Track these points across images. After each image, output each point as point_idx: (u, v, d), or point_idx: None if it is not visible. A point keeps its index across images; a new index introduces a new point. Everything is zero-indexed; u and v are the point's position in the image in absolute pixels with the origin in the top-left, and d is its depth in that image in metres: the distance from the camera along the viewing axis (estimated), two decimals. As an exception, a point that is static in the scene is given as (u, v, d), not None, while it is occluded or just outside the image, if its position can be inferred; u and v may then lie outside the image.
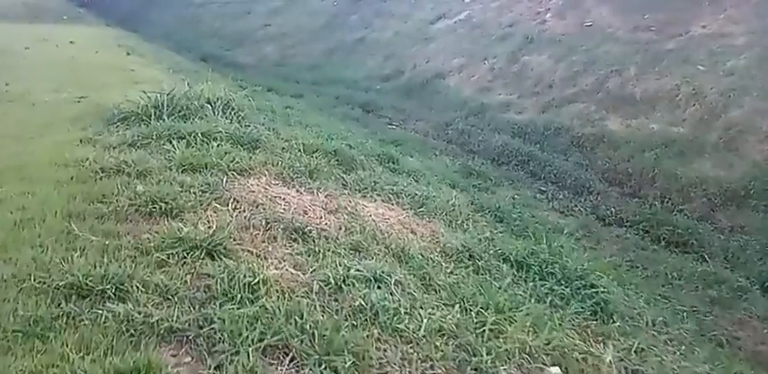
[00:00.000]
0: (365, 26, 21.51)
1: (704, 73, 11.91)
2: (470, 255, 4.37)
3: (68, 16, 19.13)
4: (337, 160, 6.25)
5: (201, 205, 3.78)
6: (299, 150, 5.93)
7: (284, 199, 4.31)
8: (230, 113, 6.51)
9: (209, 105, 6.27)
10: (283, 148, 5.81)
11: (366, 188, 5.67)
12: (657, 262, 7.31)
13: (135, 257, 2.91)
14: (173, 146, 4.82)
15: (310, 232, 3.78)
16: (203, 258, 3.05)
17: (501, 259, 4.53)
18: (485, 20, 18.10)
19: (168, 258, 2.97)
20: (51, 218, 3.28)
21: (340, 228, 4.08)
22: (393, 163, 8.33)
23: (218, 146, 5.00)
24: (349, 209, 4.56)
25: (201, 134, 5.19)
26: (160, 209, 3.57)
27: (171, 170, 4.34)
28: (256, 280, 2.74)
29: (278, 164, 5.23)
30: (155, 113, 5.70)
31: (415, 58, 18.34)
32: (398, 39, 19.69)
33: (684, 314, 5.67)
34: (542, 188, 10.42)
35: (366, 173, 6.46)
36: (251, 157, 5.12)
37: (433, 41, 18.61)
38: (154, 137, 5.04)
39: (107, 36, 15.98)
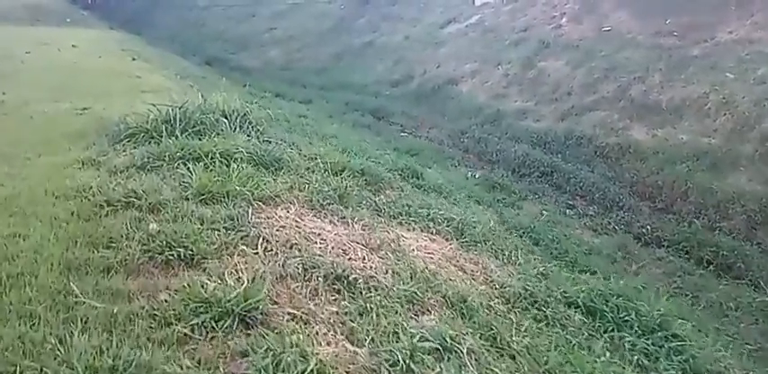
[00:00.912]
0: (373, 30, 20.86)
1: (734, 81, 11.25)
2: (534, 301, 3.71)
3: (71, 19, 18.44)
4: (365, 180, 5.59)
5: (227, 248, 3.11)
6: (325, 170, 5.26)
7: (319, 235, 3.65)
8: (247, 127, 5.84)
9: (225, 119, 5.60)
10: (308, 169, 5.15)
11: (401, 213, 5.01)
12: (708, 289, 6.65)
13: (151, 332, 2.25)
14: (188, 169, 4.15)
15: (356, 281, 3.11)
16: (237, 328, 2.39)
17: (567, 304, 3.88)
18: (497, 24, 17.46)
19: (193, 331, 2.31)
20: (46, 272, 2.61)
21: (387, 272, 3.42)
22: (417, 178, 7.67)
23: (238, 168, 4.33)
24: (391, 244, 3.90)
25: (220, 154, 4.52)
26: (179, 255, 2.91)
27: (188, 200, 3.67)
28: (310, 369, 2.08)
29: (305, 188, 4.56)
30: (166, 129, 5.04)
31: (425, 63, 17.68)
32: (408, 43, 19.05)
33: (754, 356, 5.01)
34: (569, 202, 9.76)
35: (395, 193, 5.81)
36: (275, 181, 4.45)
37: (444, 46, 17.97)
38: (166, 158, 4.37)
39: (110, 39, 15.28)
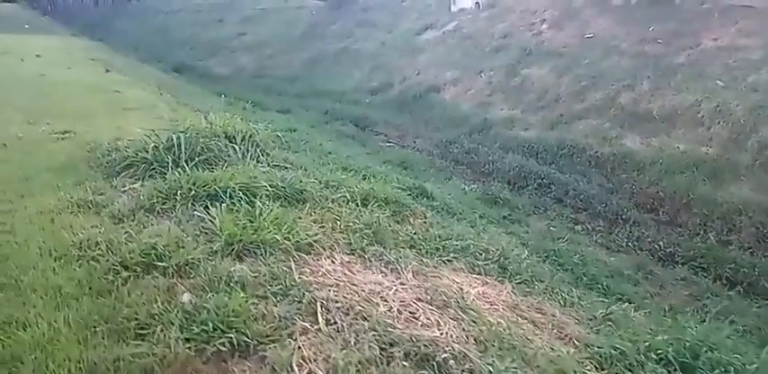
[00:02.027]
0: (347, 36, 20.19)
1: (724, 89, 10.98)
2: (629, 363, 3.15)
3: (30, 25, 17.19)
4: (391, 209, 4.95)
5: (285, 326, 2.44)
6: (350, 200, 4.61)
7: (379, 293, 3.00)
8: (255, 151, 5.14)
9: (232, 144, 4.89)
10: (332, 200, 4.48)
11: (437, 248, 4.40)
12: (741, 312, 6.22)
13: None
14: (208, 212, 3.45)
15: (447, 363, 2.48)
16: None
17: (658, 360, 3.32)
18: (475, 31, 17.01)
19: None
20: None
21: (468, 341, 2.80)
22: (428, 197, 7.07)
23: (264, 207, 3.64)
24: (456, 299, 3.28)
25: (239, 190, 3.82)
26: (231, 343, 2.23)
27: (218, 256, 2.98)
28: None
29: (338, 225, 3.91)
30: (167, 157, 4.31)
31: (404, 70, 17.11)
32: (384, 49, 18.45)
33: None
34: (572, 215, 9.29)
35: (420, 221, 5.19)
36: (306, 220, 3.78)
37: (422, 53, 17.42)
38: (177, 196, 3.65)
39: (75, 47, 14.21)
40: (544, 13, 15.89)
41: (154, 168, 4.25)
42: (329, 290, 2.90)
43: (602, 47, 13.70)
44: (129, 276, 2.72)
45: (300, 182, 4.55)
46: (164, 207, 3.58)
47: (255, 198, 3.89)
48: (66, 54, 11.77)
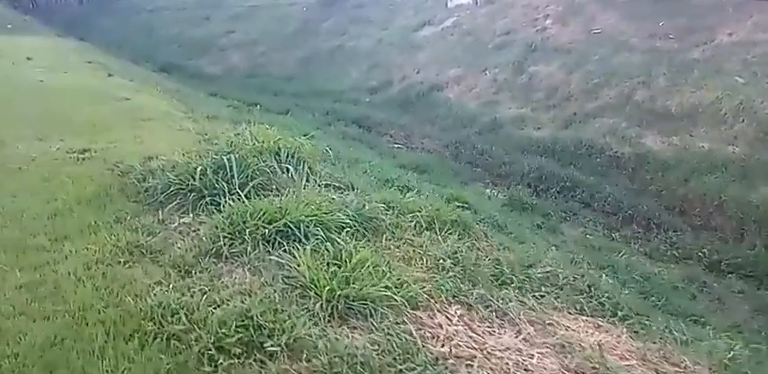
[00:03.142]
0: (341, 33, 19.43)
1: (745, 85, 10.57)
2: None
3: (13, 25, 16.15)
4: (458, 232, 4.35)
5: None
6: (422, 227, 4.01)
7: (520, 364, 2.41)
8: (302, 169, 4.49)
9: (282, 163, 4.23)
10: (404, 228, 3.88)
11: (524, 280, 3.83)
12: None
13: None
14: (290, 255, 2.82)
15: None
16: None
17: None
18: (476, 27, 16.40)
19: None
20: None
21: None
22: (469, 209, 6.49)
23: (347, 246, 3.02)
24: (591, 356, 2.71)
25: (311, 222, 3.19)
26: None
27: (320, 319, 2.37)
28: None
29: (425, 262, 3.32)
30: (218, 182, 3.65)
31: (403, 68, 16.45)
32: (381, 47, 17.75)
33: None
34: (603, 221, 8.80)
35: (484, 243, 4.61)
36: (390, 256, 3.18)
37: (421, 50, 16.77)
38: (246, 236, 3.01)
39: (65, 49, 13.27)
40: (547, 8, 15.35)
41: (204, 197, 3.59)
42: (463, 363, 2.29)
43: (612, 42, 13.20)
44: (231, 364, 2.08)
45: (365, 206, 3.93)
46: (232, 250, 2.94)
47: (329, 232, 3.26)
48: (58, 56, 10.88)
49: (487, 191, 9.73)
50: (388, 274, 2.85)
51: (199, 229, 3.18)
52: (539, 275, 4.06)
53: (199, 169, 3.74)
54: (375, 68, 17.08)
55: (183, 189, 3.65)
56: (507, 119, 12.79)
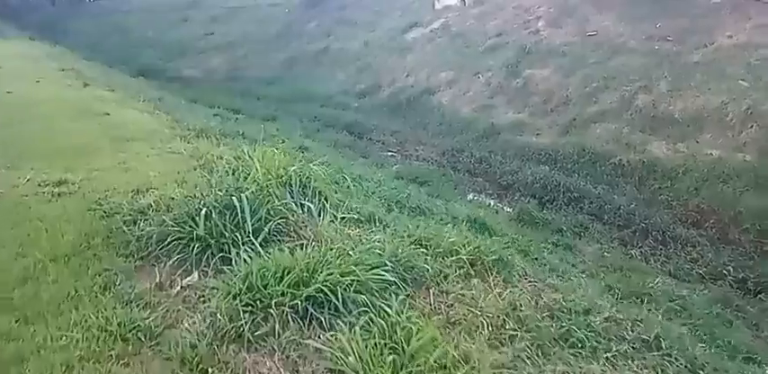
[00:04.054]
0: (326, 35, 18.70)
1: (750, 89, 10.14)
2: None
3: (-21, 28, 15.13)
4: (503, 275, 3.73)
5: None
6: (466, 272, 3.38)
7: None
8: (318, 202, 3.82)
9: (295, 197, 3.56)
10: (448, 276, 3.23)
11: (569, 331, 3.21)
12: None
13: None
14: (331, 337, 2.17)
15: None
16: None
17: None
18: (465, 29, 15.82)
19: None
20: None
21: None
22: (489, 232, 5.89)
23: (400, 318, 2.38)
24: None
25: (353, 286, 2.54)
26: None
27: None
28: None
29: (488, 330, 2.68)
30: (227, 229, 2.97)
31: (392, 72, 15.79)
32: (368, 49, 17.07)
33: None
34: (616, 235, 8.26)
35: (527, 284, 3.99)
36: (445, 322, 2.54)
37: (410, 52, 16.14)
38: (273, 308, 2.34)
39: (37, 54, 12.30)
40: (539, 10, 14.83)
41: (209, 247, 2.90)
42: None
43: (608, 45, 12.72)
44: None
45: (399, 249, 3.28)
46: (256, 332, 2.26)
47: (372, 295, 2.60)
48: (30, 62, 9.97)
49: (492, 202, 9.14)
50: (457, 360, 2.20)
51: (209, 298, 2.50)
52: (601, 325, 3.47)
53: (203, 212, 3.04)
54: (363, 71, 16.41)
55: (184, 237, 2.96)
56: (504, 124, 12.23)
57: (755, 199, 8.51)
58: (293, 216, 3.39)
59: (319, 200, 3.88)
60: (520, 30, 14.53)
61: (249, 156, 4.32)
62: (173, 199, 3.41)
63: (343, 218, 3.91)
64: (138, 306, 2.45)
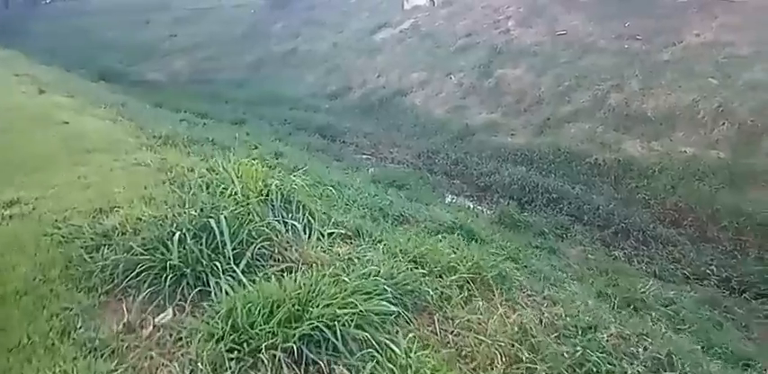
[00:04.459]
0: (294, 36, 18.24)
1: (720, 87, 10.13)
2: None
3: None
4: (504, 292, 3.45)
5: None
6: (470, 292, 3.09)
7: None
8: (303, 217, 3.48)
9: (280, 210, 3.22)
10: (450, 299, 2.93)
11: (582, 364, 2.96)
12: None
13: None
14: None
15: None
16: None
17: None
18: (435, 29, 15.57)
19: None
20: None
21: None
22: (475, 239, 5.61)
23: (409, 358, 2.07)
24: None
25: (352, 320, 2.22)
26: None
27: None
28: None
29: (501, 361, 2.39)
30: (204, 256, 2.61)
31: (363, 73, 15.45)
32: (337, 50, 16.70)
33: None
34: (598, 236, 8.08)
35: (526, 299, 3.73)
36: (454, 355, 2.24)
37: (380, 53, 15.82)
38: (263, 353, 2.00)
39: (-11, 59, 11.60)
40: (508, 9, 14.68)
41: (184, 276, 2.54)
42: None
43: (579, 44, 12.63)
44: None
45: (396, 270, 2.97)
46: (243, 380, 1.93)
47: (373, 328, 2.29)
48: (-21, 68, 9.34)
49: (471, 205, 8.89)
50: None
51: (187, 342, 2.14)
52: (610, 343, 3.23)
53: (176, 236, 2.67)
54: (332, 73, 16.04)
55: (155, 266, 2.59)
56: (478, 125, 12.02)
57: (731, 196, 8.46)
58: (278, 236, 3.05)
59: (304, 216, 3.54)
60: (490, 30, 14.36)
61: (224, 168, 3.95)
62: (140, 220, 3.03)
63: (331, 233, 3.59)
64: (102, 355, 2.07)
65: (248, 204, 3.26)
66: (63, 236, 3.01)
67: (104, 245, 2.88)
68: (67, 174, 4.04)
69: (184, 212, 3.01)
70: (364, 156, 11.85)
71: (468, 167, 10.57)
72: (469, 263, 3.42)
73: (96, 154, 4.59)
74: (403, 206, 6.47)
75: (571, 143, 10.56)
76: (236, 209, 2.97)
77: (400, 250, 3.50)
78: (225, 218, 2.79)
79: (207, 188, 3.66)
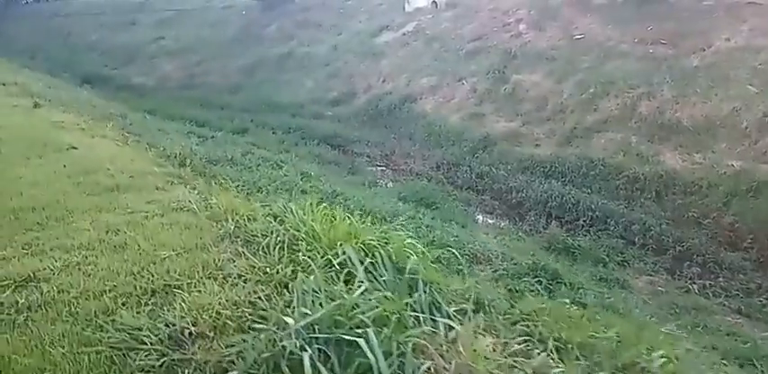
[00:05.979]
0: (289, 39, 17.01)
1: (762, 95, 9.33)
2: None
3: None
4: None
5: None
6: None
7: None
8: (427, 296, 2.46)
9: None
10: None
11: None
12: None
13: None
14: None
15: None
16: None
17: None
18: (440, 32, 14.54)
19: None
20: None
21: None
22: (565, 285, 4.63)
23: None
24: None
25: None
26: None
27: None
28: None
29: None
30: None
31: (367, 78, 14.35)
32: (338, 54, 15.55)
33: None
34: (659, 262, 7.17)
35: None
36: None
37: (384, 57, 14.72)
38: None
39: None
40: (518, 12, 13.74)
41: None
42: None
43: (598, 49, 11.73)
44: None
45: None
46: None
47: None
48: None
49: (505, 224, 7.93)
50: None
51: None
52: None
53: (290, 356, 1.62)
54: (333, 78, 14.91)
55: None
56: (498, 134, 11.04)
57: (793, 215, 7.66)
58: (428, 338, 2.01)
59: (429, 294, 2.51)
60: (500, 33, 13.40)
61: (300, 220, 2.89)
62: (220, 315, 1.96)
63: (461, 311, 2.56)
64: None
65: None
66: (112, 348, 1.93)
67: (177, 366, 1.81)
68: (90, 228, 2.92)
69: (291, 308, 1.95)
70: (378, 168, 10.81)
71: (495, 181, 9.61)
72: (630, 353, 2.42)
73: (120, 194, 3.47)
74: (451, 233, 5.46)
75: (604, 155, 9.66)
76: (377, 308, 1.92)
77: (540, 334, 2.49)
78: (373, 332, 1.73)
79: (285, 250, 2.61)
